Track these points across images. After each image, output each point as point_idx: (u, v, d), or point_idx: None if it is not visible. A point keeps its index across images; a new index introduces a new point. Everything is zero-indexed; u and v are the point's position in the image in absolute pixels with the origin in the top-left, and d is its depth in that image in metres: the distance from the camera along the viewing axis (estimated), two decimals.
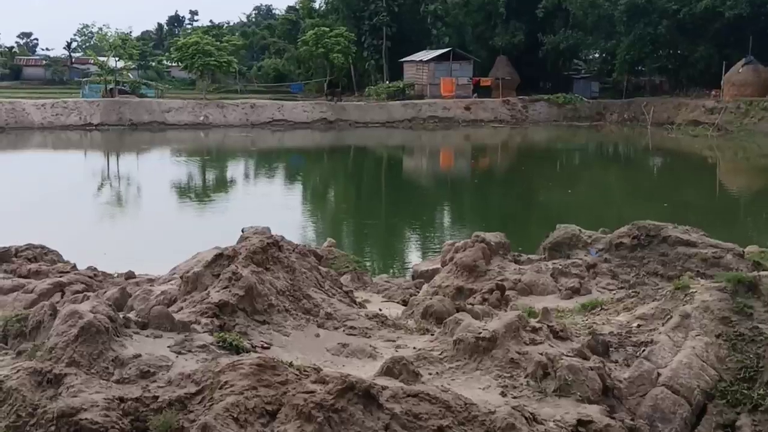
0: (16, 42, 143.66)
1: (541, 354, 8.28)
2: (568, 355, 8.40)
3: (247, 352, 8.03)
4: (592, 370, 8.10)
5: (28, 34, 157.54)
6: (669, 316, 9.48)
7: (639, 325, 9.66)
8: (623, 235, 14.32)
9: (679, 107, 69.75)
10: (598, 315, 10.87)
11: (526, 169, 50.00)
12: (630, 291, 12.31)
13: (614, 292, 12.94)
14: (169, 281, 13.07)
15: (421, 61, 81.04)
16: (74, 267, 16.62)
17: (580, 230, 15.46)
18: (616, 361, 8.87)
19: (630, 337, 9.39)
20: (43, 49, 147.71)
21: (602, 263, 14.16)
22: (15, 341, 8.35)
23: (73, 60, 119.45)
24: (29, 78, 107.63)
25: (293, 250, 10.74)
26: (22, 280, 15.14)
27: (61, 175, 44.53)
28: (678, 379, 8.37)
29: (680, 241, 13.63)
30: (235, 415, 6.98)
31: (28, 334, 8.30)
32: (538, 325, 8.85)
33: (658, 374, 8.48)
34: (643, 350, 8.92)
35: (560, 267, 14.22)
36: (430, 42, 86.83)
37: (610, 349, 9.07)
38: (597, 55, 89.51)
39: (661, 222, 14.31)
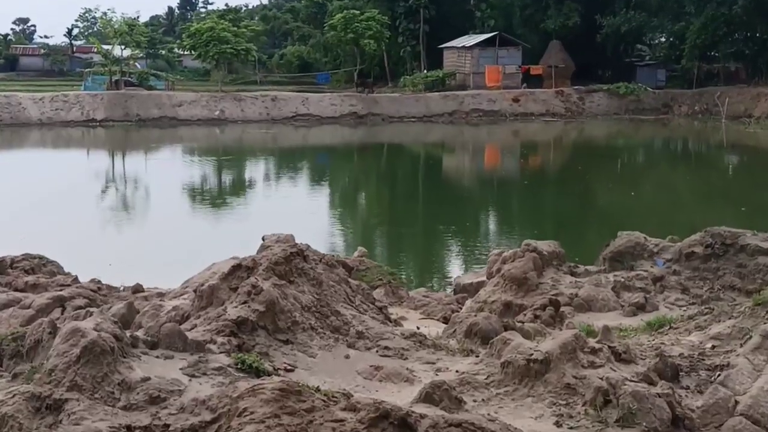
0: (12, 29, 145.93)
1: (602, 378, 8.21)
2: (632, 380, 8.32)
3: (268, 376, 8.04)
4: (659, 397, 8.02)
5: (24, 20, 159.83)
6: (748, 336, 9.36)
7: (713, 346, 9.56)
8: (695, 244, 14.18)
9: (758, 98, 69.02)
10: (667, 334, 10.76)
11: (582, 168, 49.72)
12: (703, 307, 12.18)
13: (685, 308, 12.81)
14: (181, 295, 13.14)
15: (463, 47, 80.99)
16: (76, 279, 16.76)
17: (645, 238, 15.33)
18: (688, 387, 8.78)
19: (703, 359, 9.28)
20: (41, 37, 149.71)
21: (671, 276, 14.03)
22: (10, 362, 8.43)
23: (75, 49, 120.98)
24: (26, 69, 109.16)
25: (320, 261, 10.75)
26: (18, 294, 15.30)
27: (61, 177, 45.03)
28: (759, 407, 8.25)
29: (761, 251, 13.46)
30: None
31: (25, 354, 8.38)
32: (597, 346, 8.78)
33: (736, 402, 8.37)
34: (719, 375, 8.81)
35: (622, 280, 14.10)
36: (474, 26, 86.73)
37: (681, 373, 8.97)
38: (663, 39, 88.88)
39: (738, 229, 14.15)
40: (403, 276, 21.98)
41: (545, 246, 15.02)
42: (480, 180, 48.67)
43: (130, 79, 79.27)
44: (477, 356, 9.47)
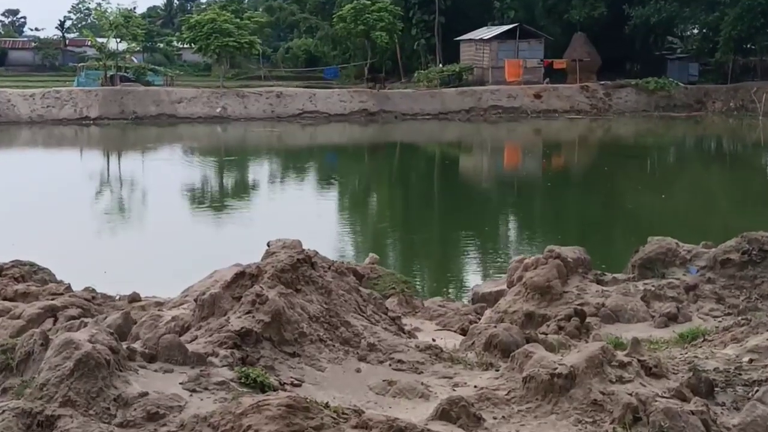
0: (1, 21, 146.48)
1: (631, 394, 8.19)
2: (663, 396, 8.30)
3: (274, 391, 8.05)
4: (693, 414, 7.99)
5: (14, 12, 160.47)
6: None
7: (751, 360, 9.52)
8: (731, 250, 14.13)
9: None
10: (700, 347, 10.73)
11: (609, 169, 49.64)
12: (739, 318, 12.14)
13: (720, 319, 12.77)
14: (180, 305, 13.17)
15: (481, 39, 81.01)
16: (69, 288, 16.81)
17: (677, 244, 15.29)
18: (723, 404, 8.75)
19: (740, 374, 9.25)
20: (31, 30, 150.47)
21: (705, 284, 13.99)
22: (0, 376, 8.45)
23: (67, 42, 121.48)
24: (15, 63, 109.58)
25: (329, 268, 10.76)
26: (8, 304, 15.35)
27: (53, 179, 45.17)
28: None
29: None
30: None
31: (14, 368, 8.40)
32: (626, 360, 8.76)
33: None
34: (757, 390, 8.78)
35: (653, 289, 14.07)
36: (493, 17, 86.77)
37: (716, 388, 8.95)
38: (696, 31, 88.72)
39: None
40: (417, 284, 21.97)
41: (570, 252, 14.98)
42: (499, 181, 48.63)
43: (126, 74, 79.48)
44: (497, 370, 9.46)
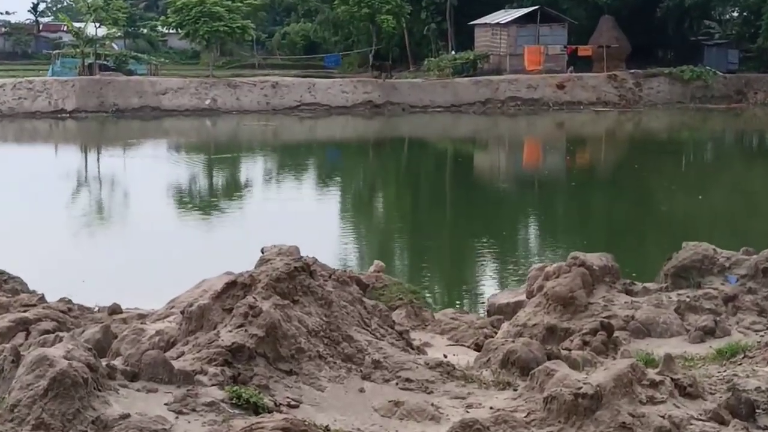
0: None
1: (663, 417, 8.20)
2: (699, 419, 8.30)
3: (269, 413, 8.06)
4: None
5: None
6: None
7: None
8: None
9: None
10: (740, 364, 10.73)
11: (640, 167, 49.57)
12: None
13: (762, 333, 12.76)
14: (165, 317, 13.19)
15: (498, 24, 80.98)
16: (42, 299, 16.83)
17: (714, 250, 15.28)
18: (765, 428, 8.75)
19: None
20: (1, 13, 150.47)
21: (745, 294, 13.98)
22: None
23: (41, 27, 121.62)
24: None
25: (329, 277, 10.78)
26: None
27: (25, 178, 45.20)
28: None
29: None
30: None
31: None
32: (658, 378, 8.77)
33: None
34: None
35: (688, 299, 14.07)
36: None
37: (757, 410, 8.94)
38: (735, 14, 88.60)
39: None
40: (427, 295, 21.96)
41: (596, 259, 14.98)
42: (518, 181, 48.59)
43: (105, 62, 79.53)
44: (515, 390, 9.47)
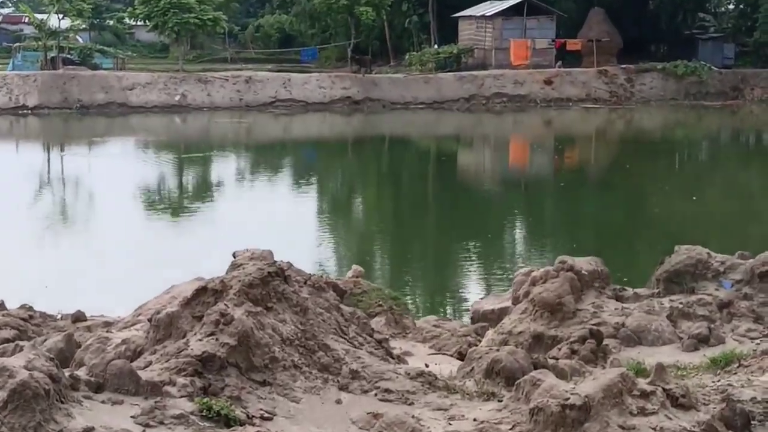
0: None
1: (655, 429, 8.23)
2: (692, 431, 8.34)
3: (241, 425, 8.06)
4: None
5: None
6: None
7: None
8: None
9: None
10: (735, 373, 10.78)
11: (631, 167, 49.75)
12: None
13: (758, 341, 12.82)
14: (132, 325, 13.17)
15: (483, 16, 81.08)
16: (2, 306, 16.79)
17: (708, 254, 15.33)
18: None
19: None
20: None
21: (740, 300, 14.03)
22: None
23: (1, 19, 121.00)
24: None
25: (305, 283, 10.78)
26: None
27: None
28: None
29: None
30: None
31: None
32: (649, 388, 8.80)
33: None
34: None
35: (681, 306, 14.11)
36: None
37: (753, 422, 8.99)
38: (731, 7, 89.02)
39: None
40: (408, 301, 21.97)
41: (585, 264, 14.98)
42: (504, 181, 48.69)
43: (69, 56, 79.26)
44: (500, 401, 9.49)
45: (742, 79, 76.56)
